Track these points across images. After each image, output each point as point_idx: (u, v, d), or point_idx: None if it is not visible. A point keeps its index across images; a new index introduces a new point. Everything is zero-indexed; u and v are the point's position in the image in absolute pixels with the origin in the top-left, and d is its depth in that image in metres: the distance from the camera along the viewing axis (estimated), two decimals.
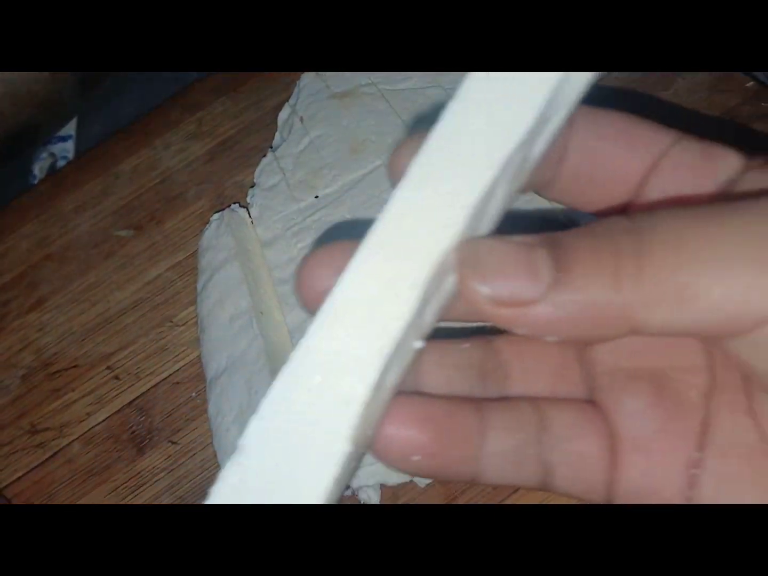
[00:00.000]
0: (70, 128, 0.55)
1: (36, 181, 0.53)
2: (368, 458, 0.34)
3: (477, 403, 0.22)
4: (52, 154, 0.54)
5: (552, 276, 0.19)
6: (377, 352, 0.18)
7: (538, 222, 0.39)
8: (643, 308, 0.19)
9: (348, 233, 0.28)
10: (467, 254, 0.19)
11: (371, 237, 0.19)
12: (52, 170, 0.54)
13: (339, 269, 0.20)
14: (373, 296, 0.19)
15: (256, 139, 0.48)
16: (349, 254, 0.20)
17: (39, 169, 0.54)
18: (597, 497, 0.25)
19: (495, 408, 0.22)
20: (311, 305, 0.21)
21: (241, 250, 0.40)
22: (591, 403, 0.25)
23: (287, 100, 0.47)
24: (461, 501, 0.35)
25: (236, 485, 0.19)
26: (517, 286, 0.19)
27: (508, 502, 0.35)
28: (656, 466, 0.24)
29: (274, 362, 0.37)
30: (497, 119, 0.19)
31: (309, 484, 0.18)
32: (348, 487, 0.36)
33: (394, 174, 0.22)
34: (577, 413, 0.25)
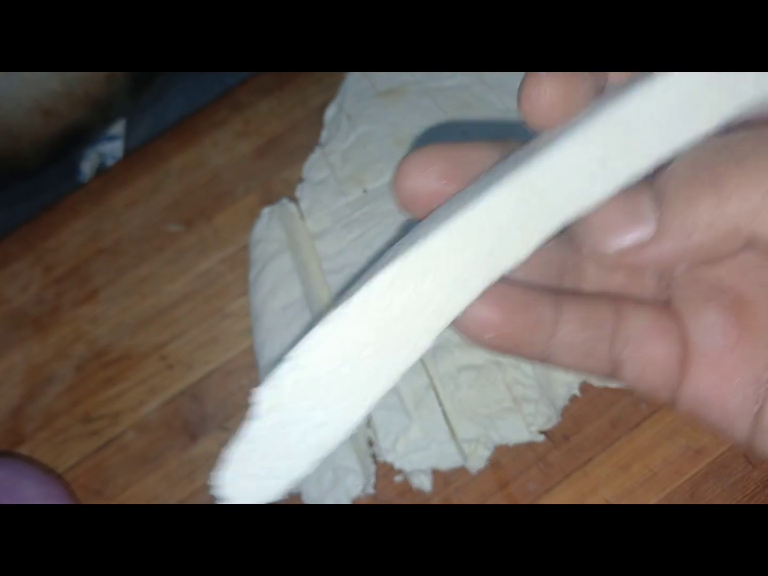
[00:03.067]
0: (119, 129, 0.56)
1: (85, 180, 0.55)
2: (421, 443, 0.35)
3: (554, 294, 0.23)
4: (101, 154, 0.56)
5: (657, 211, 0.20)
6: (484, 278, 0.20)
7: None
8: (754, 218, 0.20)
9: (440, 137, 0.28)
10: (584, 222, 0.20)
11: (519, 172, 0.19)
12: (101, 169, 0.55)
13: (435, 172, 0.22)
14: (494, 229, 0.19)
15: (302, 137, 0.49)
16: (445, 156, 0.22)
17: (88, 167, 0.56)
18: (661, 397, 0.25)
19: (571, 301, 0.23)
20: (407, 207, 0.23)
21: (291, 242, 0.41)
22: (666, 308, 0.25)
23: (331, 99, 0.48)
24: (513, 487, 0.36)
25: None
26: (634, 234, 0.20)
27: (555, 490, 0.36)
28: (725, 380, 0.24)
29: None
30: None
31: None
32: (400, 471, 0.36)
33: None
34: (652, 316, 0.25)
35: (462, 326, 0.23)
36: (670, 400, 0.25)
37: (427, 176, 0.22)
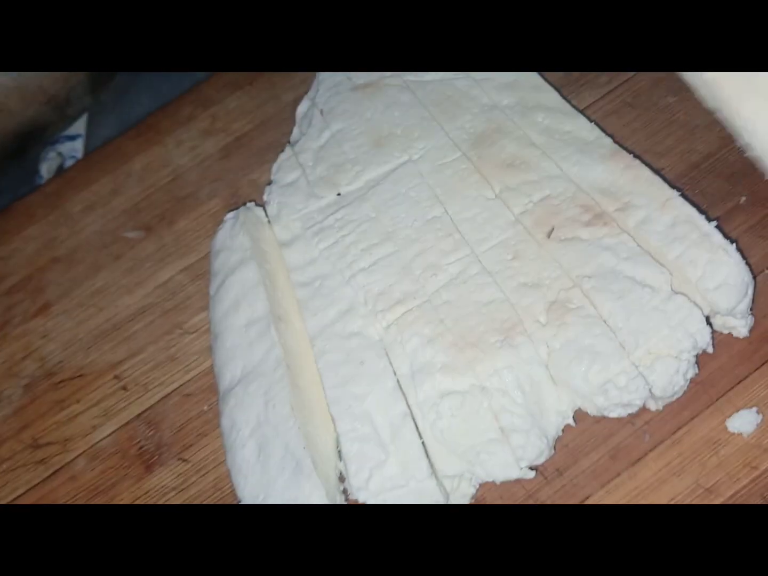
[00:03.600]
0: (79, 127, 0.52)
1: (43, 182, 0.51)
2: (397, 479, 0.31)
3: None
4: (60, 154, 0.52)
5: None
6: None
7: None
8: None
9: None
10: None
11: None
12: (60, 170, 0.51)
13: None
14: None
15: (273, 135, 0.45)
16: None
17: (46, 169, 0.52)
18: None
19: None
20: None
21: (257, 251, 0.37)
22: None
23: (305, 94, 0.45)
24: None
25: None
26: None
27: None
28: None
29: (293, 372, 0.34)
30: None
31: None
32: None
33: None
34: None
35: None
36: None
37: None
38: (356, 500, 0.32)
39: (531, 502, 0.32)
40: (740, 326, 0.33)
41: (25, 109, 0.46)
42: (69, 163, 0.51)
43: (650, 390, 0.31)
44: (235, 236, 0.38)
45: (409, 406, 0.32)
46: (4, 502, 0.38)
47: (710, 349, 0.32)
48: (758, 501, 0.30)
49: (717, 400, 0.32)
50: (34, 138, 0.50)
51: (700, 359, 0.32)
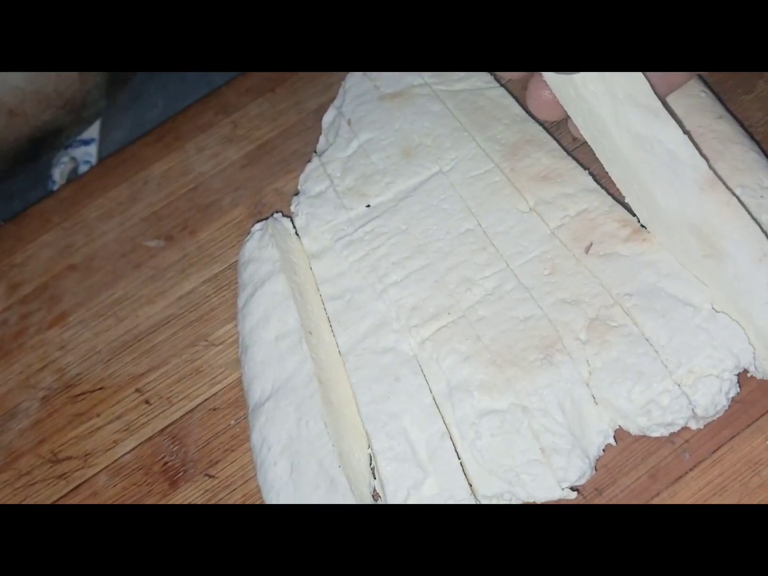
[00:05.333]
0: (93, 131, 0.51)
1: (56, 187, 0.50)
2: (435, 499, 0.31)
3: None
4: (74, 159, 0.51)
5: None
6: None
7: None
8: None
9: None
10: None
11: None
12: (74, 175, 0.50)
13: None
14: None
15: (297, 143, 0.44)
16: None
17: (59, 174, 0.51)
18: None
19: None
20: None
21: (286, 263, 0.37)
22: None
23: (329, 102, 0.44)
24: None
25: None
26: None
27: None
28: None
29: (325, 387, 0.33)
30: None
31: None
32: None
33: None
34: None
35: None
36: None
37: None
38: None
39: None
40: None
41: (41, 113, 0.45)
42: (83, 167, 0.51)
43: (693, 409, 0.31)
44: (263, 248, 0.37)
45: (446, 426, 0.32)
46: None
47: (752, 369, 0.31)
48: None
49: (758, 419, 0.32)
50: (48, 142, 0.49)
51: (741, 378, 0.32)
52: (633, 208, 0.34)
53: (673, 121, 0.30)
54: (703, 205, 0.30)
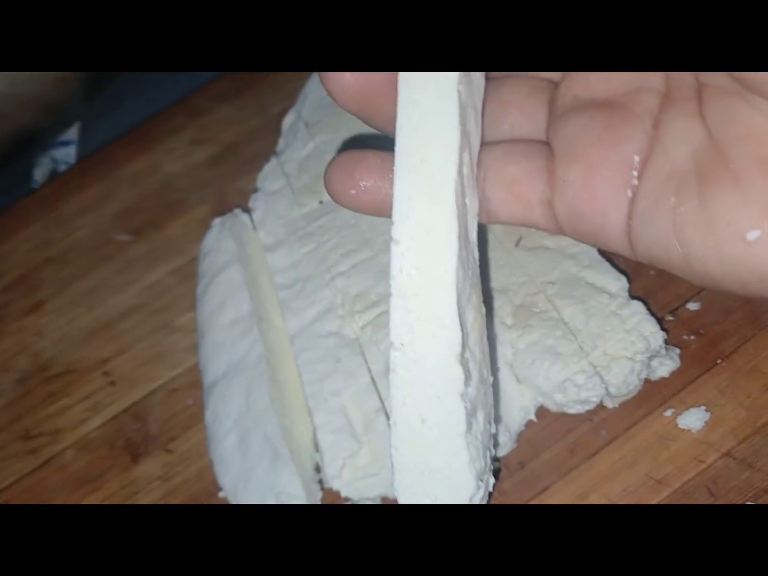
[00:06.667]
0: (73, 134, 0.54)
1: (37, 186, 0.53)
2: (369, 469, 0.33)
3: None
4: (54, 160, 0.54)
5: None
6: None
7: None
8: None
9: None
10: None
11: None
12: (54, 175, 0.53)
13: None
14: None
15: (260, 145, 0.47)
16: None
17: (40, 173, 0.54)
18: (537, 219, 0.27)
19: None
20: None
21: (242, 254, 0.39)
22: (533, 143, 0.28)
23: (291, 107, 0.47)
24: None
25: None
26: None
27: None
28: (593, 170, 0.25)
29: (273, 368, 0.36)
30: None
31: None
32: (349, 500, 0.35)
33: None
34: (509, 147, 0.28)
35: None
36: (551, 220, 0.27)
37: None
38: (330, 488, 0.34)
39: (495, 492, 0.34)
40: None
41: (22, 116, 0.48)
42: (62, 168, 0.53)
43: (606, 388, 0.33)
44: (221, 240, 0.40)
45: (382, 402, 0.34)
46: None
47: (663, 352, 0.34)
48: (704, 492, 0.32)
49: (670, 399, 0.35)
50: (29, 144, 0.52)
51: (660, 360, 0.35)
52: None
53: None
54: None
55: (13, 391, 0.43)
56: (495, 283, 0.36)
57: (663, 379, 0.35)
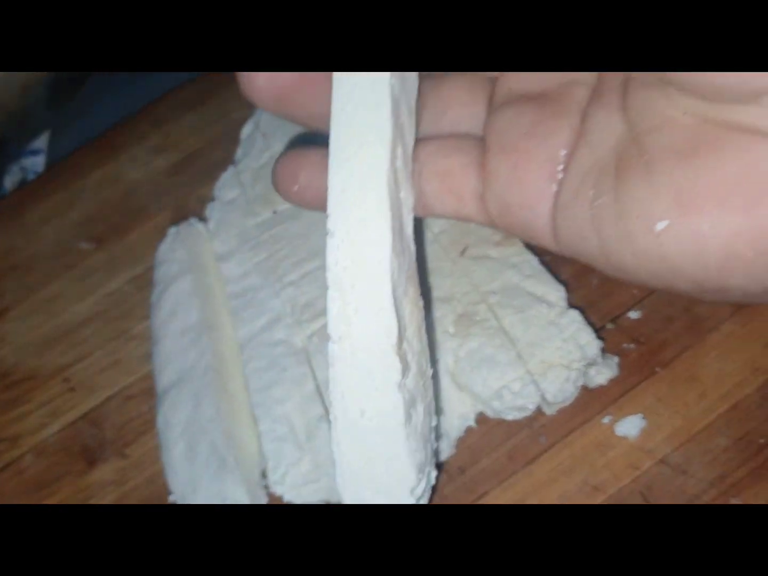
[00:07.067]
0: (42, 143, 0.55)
1: (5, 194, 0.54)
2: (311, 475, 0.34)
3: None
4: (23, 168, 0.55)
5: None
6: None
7: None
8: None
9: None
10: None
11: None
12: (22, 184, 0.54)
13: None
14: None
15: (221, 153, 0.48)
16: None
17: (10, 182, 0.54)
18: (470, 211, 0.28)
19: None
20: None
21: (194, 264, 0.40)
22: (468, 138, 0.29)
23: (252, 116, 0.47)
24: None
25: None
26: None
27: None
28: (521, 163, 0.26)
29: (221, 376, 0.37)
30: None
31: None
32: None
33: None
34: (444, 141, 0.28)
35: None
36: (482, 213, 0.28)
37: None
38: (274, 494, 0.35)
39: (436, 498, 0.35)
40: None
41: None
42: (31, 177, 0.54)
43: (543, 396, 0.34)
44: (175, 250, 0.41)
45: (326, 409, 0.35)
46: None
47: (600, 361, 0.35)
48: (638, 498, 0.33)
49: (608, 406, 0.35)
50: None
51: (598, 369, 0.35)
52: None
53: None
54: None
55: None
56: (439, 292, 0.37)
57: (601, 387, 0.36)
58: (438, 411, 0.33)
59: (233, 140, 0.48)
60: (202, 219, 0.44)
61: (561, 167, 0.25)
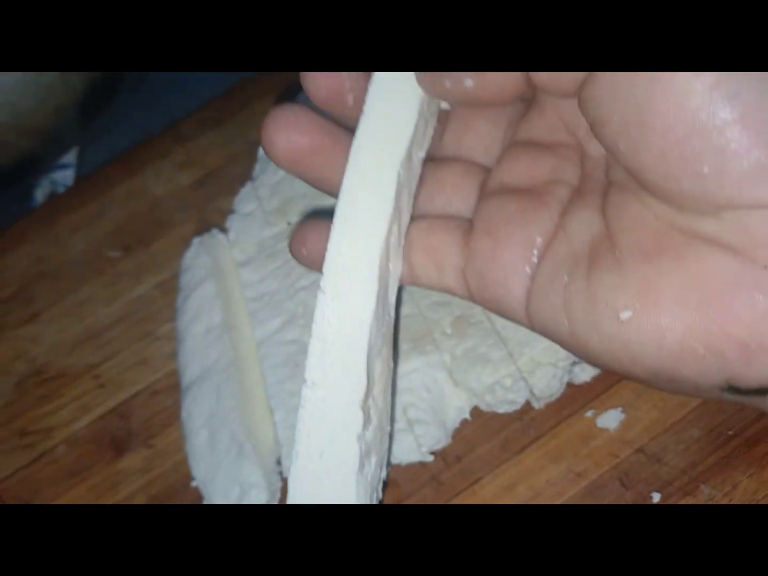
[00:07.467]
0: (71, 157, 0.59)
1: (36, 206, 0.57)
2: None
3: None
4: (53, 182, 0.59)
5: None
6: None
7: None
8: None
9: None
10: None
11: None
12: (52, 196, 0.58)
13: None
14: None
15: (240, 170, 0.51)
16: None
17: (41, 194, 0.58)
18: (450, 284, 0.32)
19: None
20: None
21: (216, 270, 0.44)
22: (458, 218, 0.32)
23: None
24: (408, 503, 0.38)
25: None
26: None
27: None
28: (500, 243, 0.29)
29: (241, 372, 0.41)
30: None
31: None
32: None
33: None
34: (434, 221, 0.32)
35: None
36: (463, 287, 0.31)
37: (289, 135, 0.32)
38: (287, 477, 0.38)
39: (434, 483, 0.38)
40: None
41: (23, 143, 0.53)
42: (61, 190, 0.58)
43: (531, 391, 0.38)
44: (199, 257, 0.45)
45: None
46: None
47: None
48: (616, 483, 0.37)
49: (591, 401, 0.39)
50: (29, 168, 0.56)
51: (582, 367, 0.39)
52: None
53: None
54: None
55: (11, 393, 0.47)
56: (438, 297, 0.40)
57: (586, 383, 0.39)
58: (388, 464, 0.37)
59: (251, 158, 0.51)
60: (223, 230, 0.47)
61: (536, 252, 0.29)
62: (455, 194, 0.33)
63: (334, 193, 0.31)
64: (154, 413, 0.44)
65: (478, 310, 0.39)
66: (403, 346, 0.39)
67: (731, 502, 0.35)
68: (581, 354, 0.27)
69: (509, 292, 0.28)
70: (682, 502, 0.35)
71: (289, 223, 0.46)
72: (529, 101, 0.31)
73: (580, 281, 0.26)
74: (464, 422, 0.39)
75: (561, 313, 0.26)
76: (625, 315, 0.25)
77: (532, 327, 0.30)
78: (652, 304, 0.24)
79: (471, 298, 0.32)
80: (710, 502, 0.35)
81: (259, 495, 0.37)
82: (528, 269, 0.29)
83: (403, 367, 0.38)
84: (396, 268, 0.32)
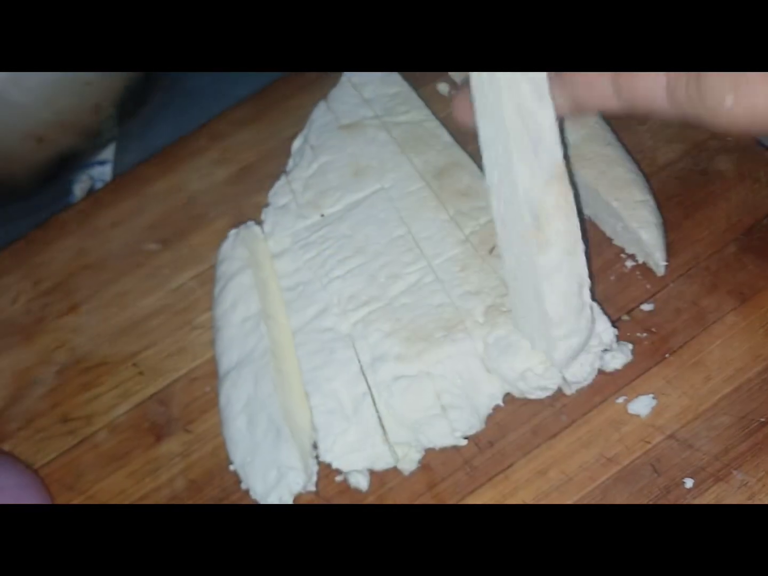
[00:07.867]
0: (109, 154, 0.61)
1: (75, 201, 0.59)
2: (357, 445, 0.38)
3: None
4: (91, 177, 0.60)
5: None
6: None
7: None
8: None
9: None
10: None
11: None
12: (91, 191, 0.60)
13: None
14: None
15: (273, 165, 0.53)
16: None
17: (79, 190, 0.60)
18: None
19: None
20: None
21: (253, 261, 0.45)
22: None
23: (301, 132, 0.52)
24: (441, 488, 0.39)
25: None
26: None
27: (479, 492, 0.38)
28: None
29: (277, 359, 0.42)
30: None
31: None
32: (340, 471, 0.40)
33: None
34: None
35: None
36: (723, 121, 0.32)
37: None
38: (324, 461, 0.39)
39: (467, 467, 0.39)
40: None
41: (64, 139, 0.55)
42: (99, 185, 0.60)
43: (564, 378, 0.38)
44: (235, 248, 0.46)
45: (369, 387, 0.40)
46: (39, 464, 0.45)
47: (615, 347, 0.39)
48: (648, 469, 0.37)
49: (622, 388, 0.39)
50: (69, 164, 0.58)
51: (614, 354, 0.40)
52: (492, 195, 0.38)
53: (551, 107, 0.34)
54: (545, 191, 0.34)
55: (54, 381, 0.49)
56: (470, 286, 0.41)
57: (616, 370, 0.40)
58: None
59: (285, 153, 0.53)
60: (258, 222, 0.49)
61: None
62: None
63: None
64: (193, 399, 0.45)
65: (508, 299, 0.40)
66: (436, 334, 0.40)
67: (765, 488, 0.35)
68: (710, 127, 0.32)
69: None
70: (715, 487, 0.36)
71: (322, 215, 0.47)
72: None
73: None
74: (497, 408, 0.40)
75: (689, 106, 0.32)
76: (729, 101, 0.30)
77: (674, 116, 0.33)
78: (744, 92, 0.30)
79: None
80: (743, 488, 0.35)
81: (296, 477, 0.38)
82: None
83: (437, 354, 0.39)
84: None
